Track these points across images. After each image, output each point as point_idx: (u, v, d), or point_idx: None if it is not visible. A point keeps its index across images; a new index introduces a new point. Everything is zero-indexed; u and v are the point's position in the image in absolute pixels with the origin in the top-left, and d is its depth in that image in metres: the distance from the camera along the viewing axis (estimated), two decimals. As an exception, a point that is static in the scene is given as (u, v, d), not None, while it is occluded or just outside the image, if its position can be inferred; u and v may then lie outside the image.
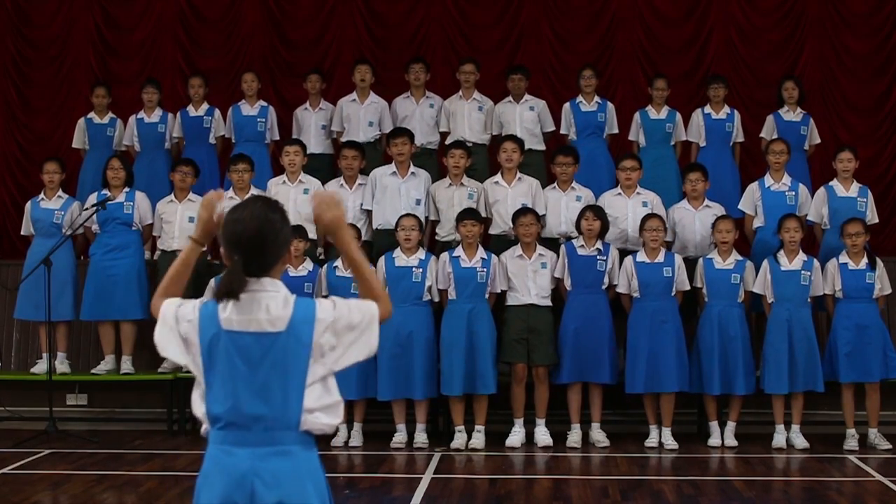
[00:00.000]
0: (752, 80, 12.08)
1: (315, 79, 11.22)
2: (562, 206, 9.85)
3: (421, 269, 9.12)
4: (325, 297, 9.06)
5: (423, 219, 9.75)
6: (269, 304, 3.27)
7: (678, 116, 10.94)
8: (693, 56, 12.24)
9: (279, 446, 3.25)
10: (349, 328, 3.30)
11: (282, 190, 10.01)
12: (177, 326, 3.32)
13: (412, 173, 10.04)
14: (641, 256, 9.21)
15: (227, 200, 3.48)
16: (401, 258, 9.16)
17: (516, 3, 12.39)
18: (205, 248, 3.55)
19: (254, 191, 10.05)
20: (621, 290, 9.22)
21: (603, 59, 12.13)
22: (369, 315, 3.33)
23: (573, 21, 12.42)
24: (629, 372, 9.12)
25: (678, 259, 9.27)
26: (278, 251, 3.33)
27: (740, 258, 9.32)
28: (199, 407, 3.33)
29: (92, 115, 11.38)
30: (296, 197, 9.97)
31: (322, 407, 3.29)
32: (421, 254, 9.22)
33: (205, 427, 3.33)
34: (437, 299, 9.22)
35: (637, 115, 10.99)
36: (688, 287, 9.23)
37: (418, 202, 9.95)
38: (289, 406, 3.25)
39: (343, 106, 11.07)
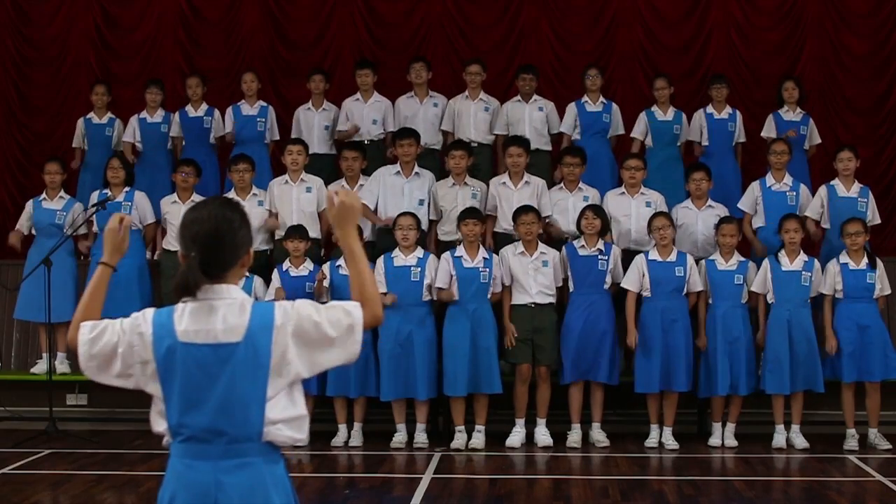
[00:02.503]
0: (752, 80, 12.07)
1: (319, 79, 11.21)
2: (569, 207, 9.85)
3: (419, 269, 9.12)
4: (329, 295, 9.14)
5: (424, 219, 9.76)
6: (226, 313, 3.18)
7: (685, 117, 10.95)
8: (693, 56, 12.23)
9: (241, 459, 3.17)
10: (323, 330, 3.17)
11: (284, 190, 10.02)
12: (123, 338, 3.22)
13: (416, 173, 10.04)
14: (653, 255, 9.18)
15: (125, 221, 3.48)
16: (399, 258, 9.16)
17: (516, 3, 12.38)
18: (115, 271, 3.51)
19: (255, 191, 10.06)
20: (630, 286, 9.13)
21: (603, 59, 12.12)
22: (349, 321, 3.19)
23: (573, 21, 12.41)
24: (641, 371, 9.09)
25: (690, 259, 9.24)
26: (236, 251, 3.24)
27: (742, 259, 9.32)
28: (158, 424, 3.26)
29: (91, 115, 11.38)
30: (298, 196, 9.99)
31: (286, 419, 3.20)
32: (419, 252, 9.22)
33: (166, 439, 3.27)
34: (437, 297, 9.22)
35: (643, 116, 10.97)
36: (700, 287, 9.19)
37: (421, 202, 9.95)
38: (249, 418, 3.16)
39: (347, 105, 11.08)
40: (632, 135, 10.98)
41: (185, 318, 3.19)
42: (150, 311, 3.27)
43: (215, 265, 3.21)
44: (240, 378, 3.16)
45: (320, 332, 3.18)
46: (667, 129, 10.86)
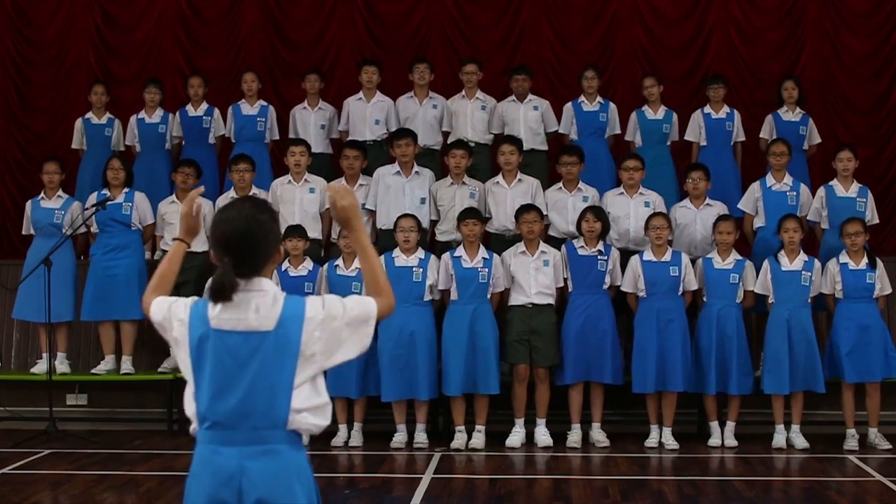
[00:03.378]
0: (752, 80, 12.08)
1: (314, 78, 11.21)
2: (569, 207, 9.84)
3: (421, 269, 9.11)
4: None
5: (425, 218, 9.75)
6: (259, 303, 3.29)
7: (675, 116, 10.94)
8: (693, 56, 12.24)
9: (266, 445, 3.26)
10: (342, 325, 3.30)
11: (287, 190, 10.02)
12: (171, 324, 3.37)
13: (416, 172, 10.03)
14: (648, 255, 9.19)
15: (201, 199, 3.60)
16: (400, 258, 9.16)
17: (516, 3, 12.38)
18: (189, 248, 3.68)
19: (255, 191, 10.06)
20: (626, 288, 9.20)
21: (603, 59, 12.12)
22: (365, 313, 3.34)
23: (573, 21, 12.41)
24: (637, 371, 9.09)
25: (685, 258, 9.25)
26: (268, 251, 3.36)
27: (740, 258, 9.32)
28: (189, 406, 3.35)
29: (90, 115, 11.38)
30: (301, 196, 10.00)
31: (310, 408, 3.30)
32: (420, 253, 9.21)
33: (193, 426, 3.34)
34: (438, 297, 9.21)
35: (634, 116, 10.98)
36: (695, 286, 9.20)
37: (423, 201, 9.95)
38: (276, 405, 3.25)
39: (349, 105, 11.07)
40: (626, 137, 10.99)
41: (219, 306, 3.30)
42: (191, 300, 3.39)
43: (249, 268, 3.32)
44: (269, 366, 3.26)
45: (342, 327, 3.31)
46: (656, 128, 10.86)
